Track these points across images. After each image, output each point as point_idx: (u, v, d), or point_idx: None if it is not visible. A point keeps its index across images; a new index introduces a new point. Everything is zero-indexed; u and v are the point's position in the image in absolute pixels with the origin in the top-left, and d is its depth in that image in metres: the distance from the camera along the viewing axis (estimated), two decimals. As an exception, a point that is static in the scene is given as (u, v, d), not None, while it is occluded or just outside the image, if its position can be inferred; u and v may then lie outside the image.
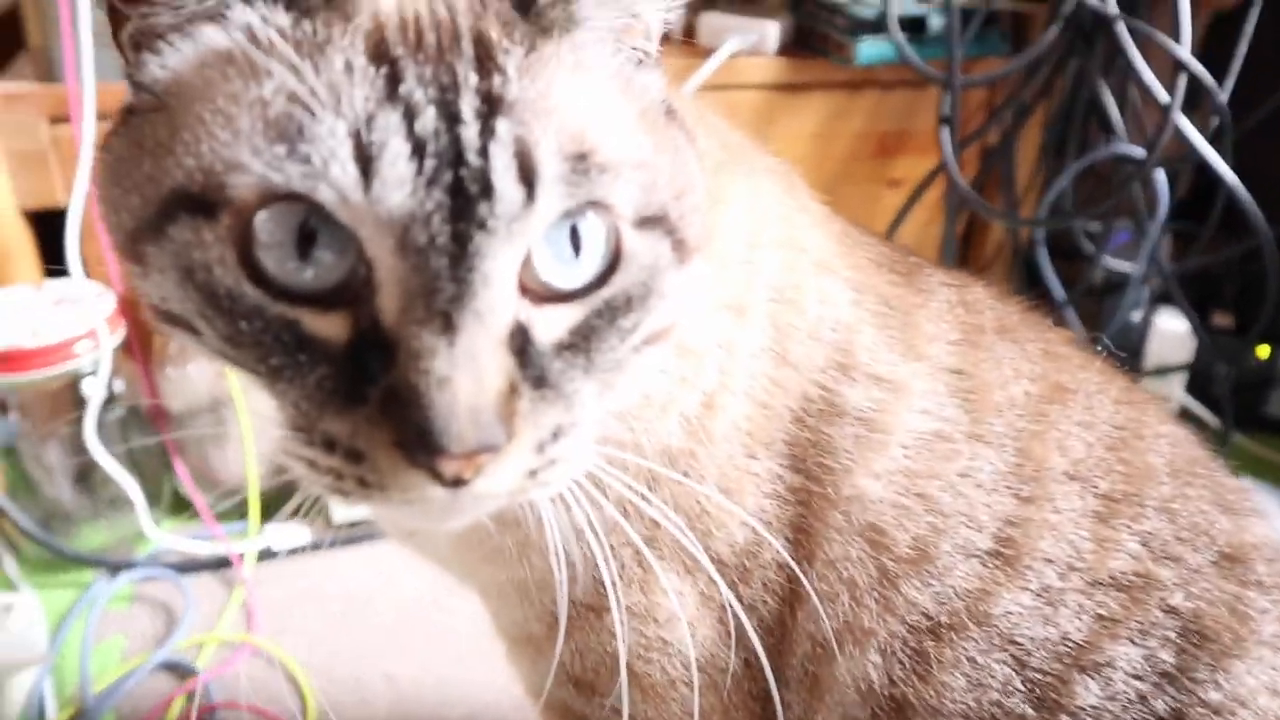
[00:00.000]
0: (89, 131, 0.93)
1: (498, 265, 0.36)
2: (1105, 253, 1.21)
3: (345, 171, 0.35)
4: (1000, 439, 0.53)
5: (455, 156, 0.35)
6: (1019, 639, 0.50)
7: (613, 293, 0.40)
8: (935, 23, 1.16)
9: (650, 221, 0.40)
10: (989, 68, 1.21)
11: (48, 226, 1.03)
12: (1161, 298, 1.26)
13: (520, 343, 0.37)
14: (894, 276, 0.56)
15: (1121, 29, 1.03)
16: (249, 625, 0.92)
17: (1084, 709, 0.50)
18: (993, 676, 0.50)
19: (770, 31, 1.20)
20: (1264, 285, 1.09)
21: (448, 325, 0.35)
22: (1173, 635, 0.50)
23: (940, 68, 1.13)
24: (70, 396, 0.93)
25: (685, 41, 1.25)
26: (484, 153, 0.36)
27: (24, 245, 1.02)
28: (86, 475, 0.96)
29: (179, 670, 0.88)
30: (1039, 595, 0.51)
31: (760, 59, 1.20)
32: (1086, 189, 1.24)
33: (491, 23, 0.38)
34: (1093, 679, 0.50)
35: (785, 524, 0.50)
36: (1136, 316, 1.24)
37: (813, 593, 0.50)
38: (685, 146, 0.44)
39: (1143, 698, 0.50)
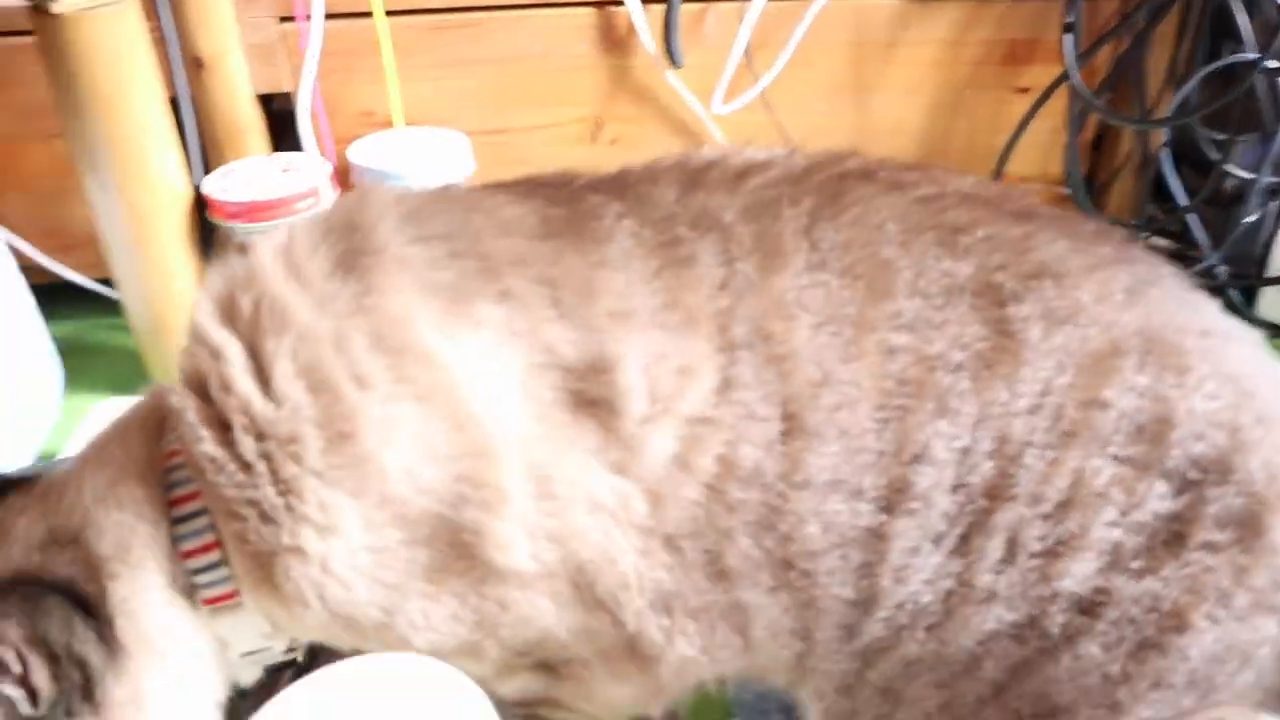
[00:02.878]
0: (315, 29, 1.13)
1: None
2: (1232, 161, 1.25)
3: None
4: (737, 344, 0.55)
5: None
6: (842, 478, 0.55)
7: None
8: (1069, -67, 1.21)
9: None
10: (1122, -23, 1.26)
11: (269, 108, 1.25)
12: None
13: None
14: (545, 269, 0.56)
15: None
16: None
17: (929, 489, 0.55)
18: (839, 513, 0.56)
19: (908, -57, 1.28)
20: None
21: None
22: (965, 384, 0.55)
23: (1068, -23, 1.20)
24: (292, 248, 1.14)
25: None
26: None
27: (256, 123, 1.24)
28: (302, 314, 1.18)
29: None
30: (840, 439, 0.55)
31: (896, -31, 1.29)
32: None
33: None
34: (921, 464, 0.55)
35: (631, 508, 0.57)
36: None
37: (679, 521, 0.56)
38: None
39: (966, 450, 0.55)
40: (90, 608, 0.57)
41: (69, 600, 0.56)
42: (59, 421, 1.15)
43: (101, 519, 0.58)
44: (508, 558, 0.55)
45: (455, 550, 0.55)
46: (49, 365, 1.16)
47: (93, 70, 1.01)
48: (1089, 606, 0.55)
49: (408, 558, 0.55)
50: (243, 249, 1.06)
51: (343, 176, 1.18)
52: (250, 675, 0.64)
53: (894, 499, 0.55)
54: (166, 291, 1.12)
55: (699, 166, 0.61)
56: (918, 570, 0.56)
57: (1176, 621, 0.54)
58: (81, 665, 0.55)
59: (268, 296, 0.55)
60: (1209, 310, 0.60)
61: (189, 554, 0.57)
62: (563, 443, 0.55)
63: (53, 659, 0.55)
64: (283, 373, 0.53)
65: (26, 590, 0.56)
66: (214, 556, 0.57)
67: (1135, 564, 0.54)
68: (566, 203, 0.59)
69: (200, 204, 1.13)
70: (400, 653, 0.54)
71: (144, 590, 0.58)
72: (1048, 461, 0.54)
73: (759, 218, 0.58)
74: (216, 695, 0.61)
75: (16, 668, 0.54)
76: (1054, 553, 0.55)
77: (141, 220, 1.08)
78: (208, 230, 1.14)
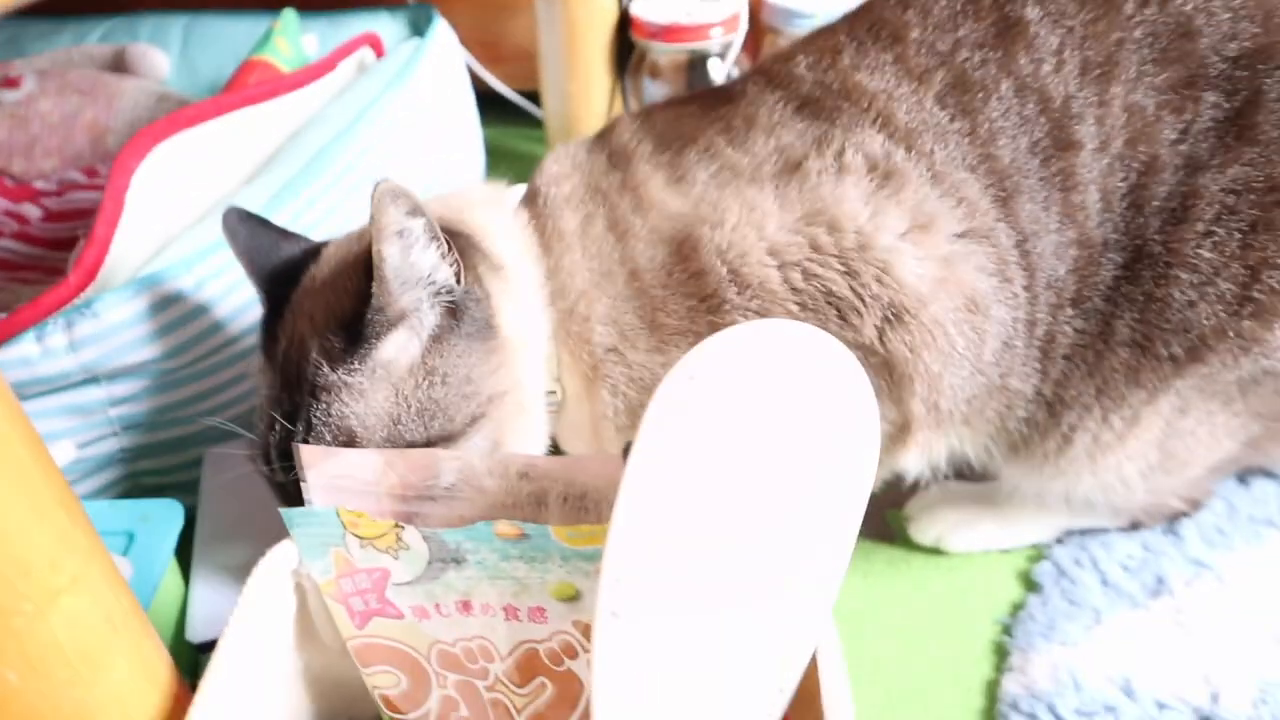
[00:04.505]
0: None
1: None
2: None
3: None
4: (855, 121, 0.70)
5: None
6: (963, 176, 0.67)
7: None
8: None
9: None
10: None
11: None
12: None
13: None
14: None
15: None
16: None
17: (1015, 159, 0.66)
18: (977, 205, 0.67)
19: None
20: None
21: None
22: (994, 70, 0.67)
23: None
24: (697, 73, 1.24)
25: None
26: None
27: (680, -43, 1.33)
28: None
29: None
30: (940, 144, 0.68)
31: None
32: None
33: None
34: (997, 139, 0.67)
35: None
36: None
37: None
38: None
39: (1022, 115, 0.67)
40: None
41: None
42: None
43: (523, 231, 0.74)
44: None
45: None
46: (478, 161, 1.33)
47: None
48: (1182, 213, 0.64)
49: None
50: (655, 69, 1.16)
51: (753, 13, 1.25)
52: None
53: (1001, 183, 0.66)
54: (584, 98, 1.26)
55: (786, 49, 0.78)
56: (1045, 241, 0.66)
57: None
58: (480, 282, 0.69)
59: (582, 184, 0.75)
60: None
61: None
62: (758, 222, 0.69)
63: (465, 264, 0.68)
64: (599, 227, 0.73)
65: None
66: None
67: (1215, 161, 0.63)
68: (714, 94, 0.77)
69: (624, 24, 1.24)
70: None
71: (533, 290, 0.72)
72: (1097, 105, 0.64)
73: (821, 37, 0.74)
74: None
75: (448, 253, 0.66)
76: (1138, 185, 0.65)
77: (575, 31, 1.21)
78: (626, 49, 1.25)
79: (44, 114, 1.26)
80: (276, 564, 0.56)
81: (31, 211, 1.18)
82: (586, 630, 0.52)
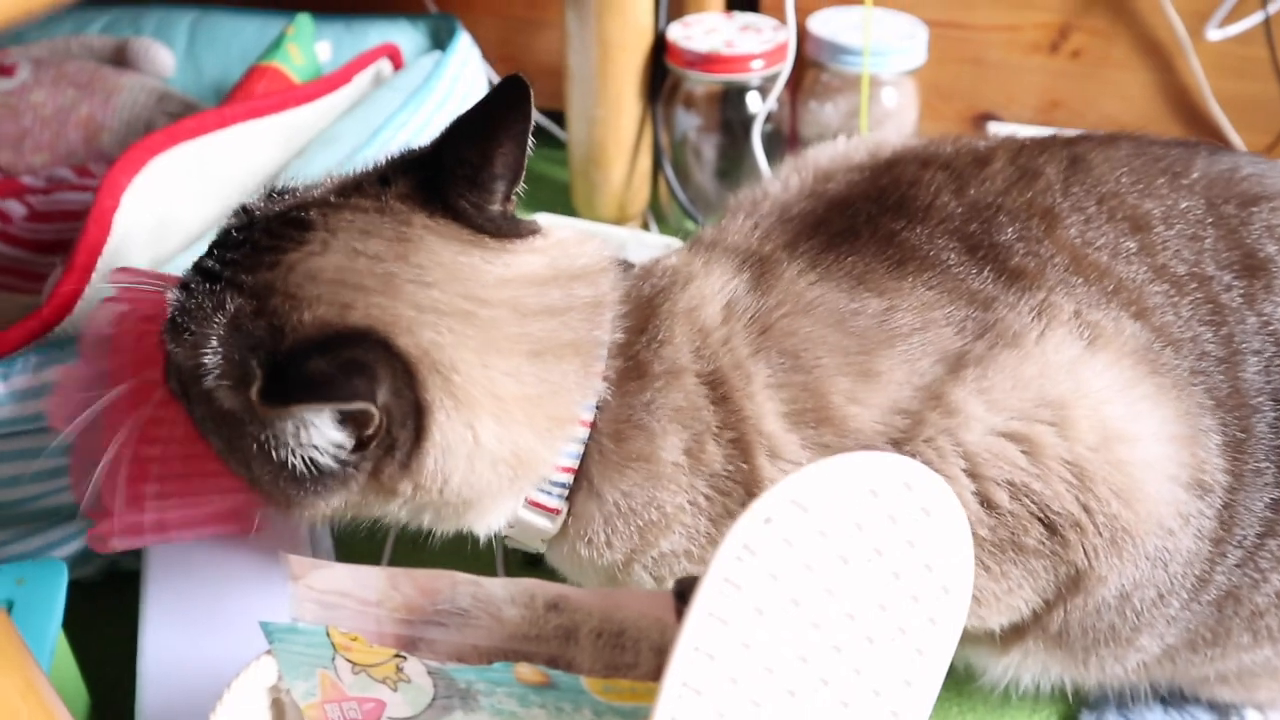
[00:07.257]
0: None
1: None
2: None
3: None
4: (1058, 283, 0.60)
5: None
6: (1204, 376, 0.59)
7: None
8: None
9: None
10: None
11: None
12: None
13: None
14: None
15: None
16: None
17: (1256, 396, 0.59)
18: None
19: None
20: None
21: None
22: (1239, 299, 0.60)
23: None
24: (733, 105, 1.17)
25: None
26: None
27: (722, -19, 1.26)
28: (729, 172, 1.20)
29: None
30: (1190, 346, 0.59)
31: None
32: None
33: None
34: (1241, 370, 0.59)
35: None
36: None
37: None
38: None
39: (1258, 352, 0.59)
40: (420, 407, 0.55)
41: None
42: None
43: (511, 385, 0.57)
44: None
45: None
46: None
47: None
48: None
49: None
50: (690, 99, 1.08)
51: (800, 45, 1.18)
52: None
53: (1242, 422, 0.58)
54: (612, 124, 1.18)
55: (951, 160, 0.66)
56: (1259, 495, 0.58)
57: None
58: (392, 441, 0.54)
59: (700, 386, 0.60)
60: None
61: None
62: None
63: (387, 420, 0.53)
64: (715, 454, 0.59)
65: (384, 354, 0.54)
66: (568, 478, 0.58)
67: None
68: (896, 248, 0.62)
69: (659, 49, 1.16)
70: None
71: (517, 488, 0.57)
72: None
73: (1020, 190, 0.62)
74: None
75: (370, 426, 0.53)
76: None
77: (607, 53, 1.14)
78: (660, 76, 1.18)
79: (37, 106, 1.18)
80: (253, 682, 0.48)
81: (15, 209, 1.10)
82: (618, 797, 0.44)
